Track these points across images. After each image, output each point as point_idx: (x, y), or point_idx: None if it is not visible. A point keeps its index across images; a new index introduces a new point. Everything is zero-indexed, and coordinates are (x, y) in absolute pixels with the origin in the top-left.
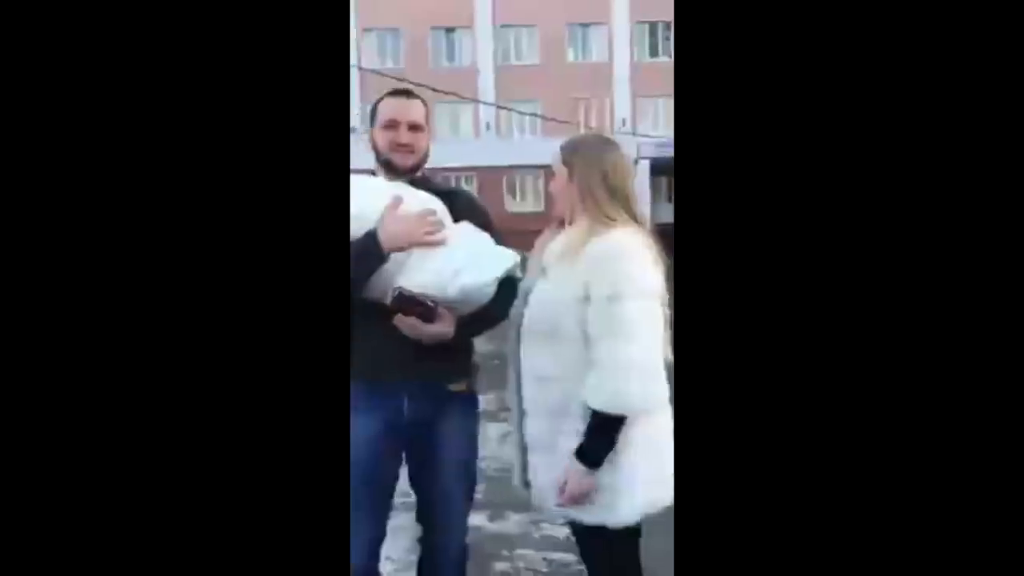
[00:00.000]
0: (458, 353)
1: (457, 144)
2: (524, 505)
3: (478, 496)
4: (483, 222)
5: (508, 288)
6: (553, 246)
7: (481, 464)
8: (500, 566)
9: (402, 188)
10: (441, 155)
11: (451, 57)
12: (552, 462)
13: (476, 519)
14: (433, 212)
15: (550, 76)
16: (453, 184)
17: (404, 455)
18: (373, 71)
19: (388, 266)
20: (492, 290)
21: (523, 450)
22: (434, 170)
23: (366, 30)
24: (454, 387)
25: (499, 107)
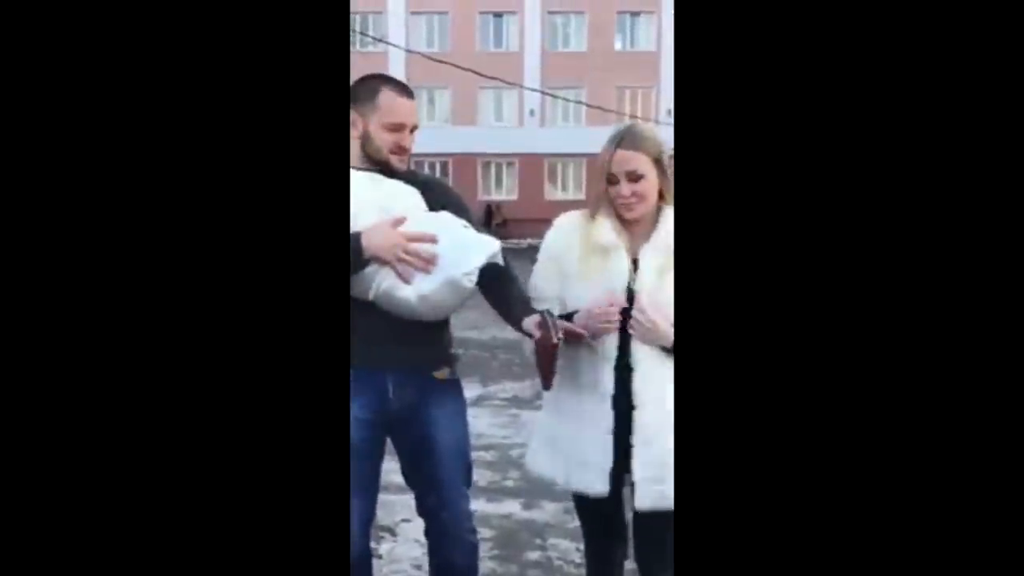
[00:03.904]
0: (438, 341)
1: (500, 130)
2: (558, 494)
3: (510, 483)
4: (459, 210)
5: (502, 270)
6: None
7: (514, 452)
8: (532, 555)
9: (376, 178)
10: (483, 141)
11: (498, 42)
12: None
13: (509, 507)
14: (423, 239)
15: (596, 64)
16: (493, 170)
17: (396, 450)
18: (418, 53)
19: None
20: (474, 279)
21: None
22: (475, 155)
23: (414, 13)
24: (437, 375)
25: (544, 93)
